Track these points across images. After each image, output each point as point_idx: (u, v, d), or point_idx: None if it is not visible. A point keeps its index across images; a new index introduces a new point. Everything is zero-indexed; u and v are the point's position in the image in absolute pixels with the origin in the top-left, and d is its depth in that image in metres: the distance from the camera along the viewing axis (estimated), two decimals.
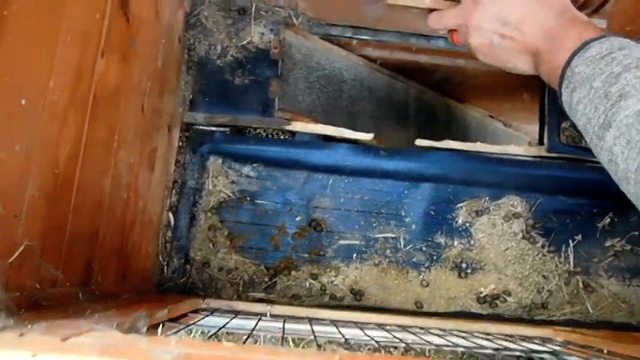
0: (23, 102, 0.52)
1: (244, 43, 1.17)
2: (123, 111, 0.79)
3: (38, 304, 0.55)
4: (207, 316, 0.88)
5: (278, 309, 0.97)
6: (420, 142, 1.19)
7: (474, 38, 0.84)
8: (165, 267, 1.07)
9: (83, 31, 0.63)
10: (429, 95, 1.55)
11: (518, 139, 1.82)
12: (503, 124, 1.75)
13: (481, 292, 1.13)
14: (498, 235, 1.15)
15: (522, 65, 0.81)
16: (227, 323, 0.84)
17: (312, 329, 0.89)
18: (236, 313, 0.94)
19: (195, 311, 0.92)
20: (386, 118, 1.41)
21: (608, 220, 1.15)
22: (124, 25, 0.75)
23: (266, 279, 1.11)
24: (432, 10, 1.03)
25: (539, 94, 1.21)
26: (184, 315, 0.84)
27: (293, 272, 1.12)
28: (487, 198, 1.16)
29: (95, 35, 0.66)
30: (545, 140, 1.16)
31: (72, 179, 0.64)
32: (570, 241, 1.14)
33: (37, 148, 0.56)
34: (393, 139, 1.40)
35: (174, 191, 1.10)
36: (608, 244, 1.15)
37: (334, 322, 0.95)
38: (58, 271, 0.58)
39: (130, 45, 0.78)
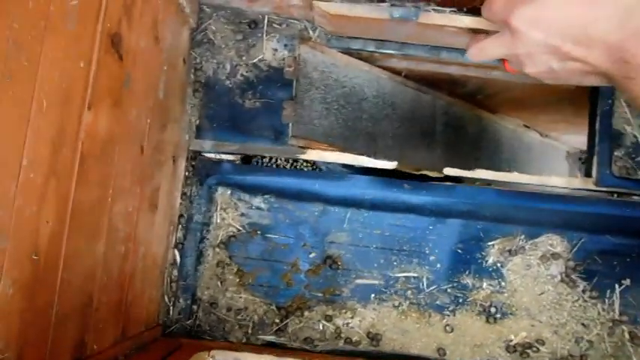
0: None
1: (255, 60, 1.06)
2: (118, 160, 0.70)
3: None
4: None
5: None
6: (449, 170, 1.08)
7: (529, 68, 0.71)
8: (171, 308, 1.00)
9: (63, 88, 0.53)
10: (458, 107, 1.44)
11: (556, 150, 1.70)
12: (539, 135, 1.63)
13: (511, 340, 1.03)
14: (533, 277, 1.05)
15: (600, 82, 0.68)
16: None
17: None
18: None
19: None
20: (410, 137, 1.30)
21: None
22: (116, 64, 0.66)
23: (277, 320, 1.03)
24: (471, 30, 0.92)
25: (589, 117, 1.08)
26: None
27: (306, 313, 1.04)
28: (522, 236, 1.05)
29: (79, 88, 0.57)
30: (594, 172, 1.02)
31: (56, 259, 0.56)
32: (617, 286, 1.03)
33: (11, 239, 0.48)
34: (418, 160, 1.30)
35: (179, 226, 1.02)
36: None
37: None
38: None
39: (123, 85, 0.69)
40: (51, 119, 0.52)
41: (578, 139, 1.65)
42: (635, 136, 1.03)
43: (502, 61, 0.82)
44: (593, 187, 1.03)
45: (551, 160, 1.69)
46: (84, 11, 0.56)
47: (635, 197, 1.03)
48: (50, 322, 0.56)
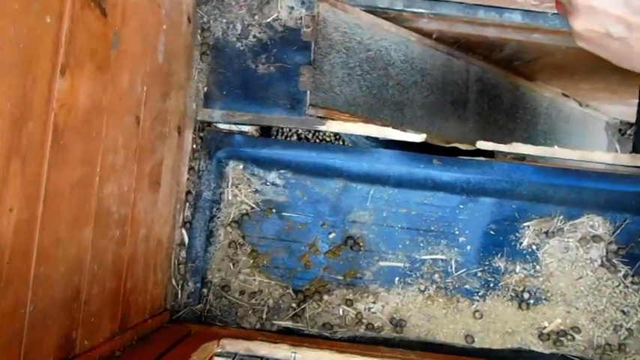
0: None
1: (269, 20, 0.96)
2: (107, 134, 0.62)
3: None
4: None
5: (303, 354, 0.82)
6: (482, 144, 0.97)
7: (580, 21, 0.59)
8: (180, 291, 0.93)
9: (21, 49, 0.45)
10: (493, 74, 1.30)
11: (595, 120, 1.55)
12: (579, 104, 1.48)
13: (544, 328, 0.94)
14: (571, 261, 0.95)
15: None
16: None
17: None
18: None
19: (210, 358, 0.78)
20: (441, 106, 1.18)
21: None
22: (98, 21, 0.57)
23: (294, 304, 0.96)
24: None
25: (639, 88, 0.96)
26: None
27: (325, 297, 0.96)
28: (561, 217, 0.94)
29: (46, 49, 0.48)
30: None
31: (27, 250, 0.49)
32: None
33: None
34: (449, 132, 1.18)
35: (187, 204, 0.94)
36: None
37: None
38: None
39: (110, 47, 0.60)
40: (7, 86, 0.43)
41: (619, 109, 1.51)
42: None
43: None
44: None
45: (590, 132, 1.56)
46: None
47: None
48: (23, 324, 0.49)
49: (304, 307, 0.96)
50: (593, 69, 1.24)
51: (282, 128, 1.00)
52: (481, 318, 0.95)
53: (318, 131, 1.00)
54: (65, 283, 0.56)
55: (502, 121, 1.29)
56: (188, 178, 0.93)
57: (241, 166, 0.96)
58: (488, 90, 1.28)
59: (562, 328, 0.94)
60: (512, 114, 1.32)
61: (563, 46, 1.12)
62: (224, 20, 0.94)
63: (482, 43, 1.19)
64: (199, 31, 0.93)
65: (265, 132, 1.05)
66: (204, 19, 0.94)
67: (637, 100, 1.11)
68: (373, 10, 1.05)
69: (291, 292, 0.96)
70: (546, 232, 0.95)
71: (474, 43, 1.20)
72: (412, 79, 1.13)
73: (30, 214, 0.49)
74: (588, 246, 0.95)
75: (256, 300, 0.95)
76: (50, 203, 0.51)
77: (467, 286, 0.96)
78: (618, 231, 0.94)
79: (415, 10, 1.02)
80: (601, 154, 0.95)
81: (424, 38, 1.16)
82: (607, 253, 0.94)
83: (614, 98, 1.45)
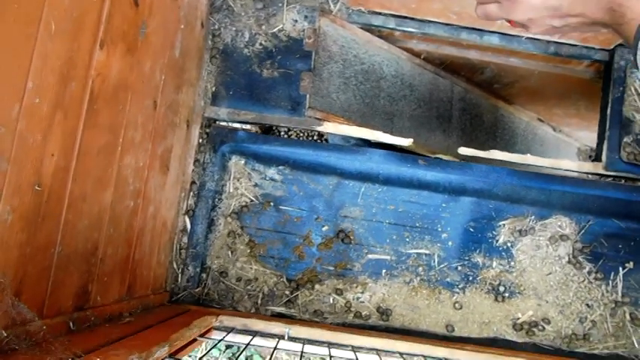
0: None
1: (275, 30, 1.06)
2: (130, 110, 0.70)
3: (10, 347, 0.47)
4: (219, 341, 0.79)
5: (297, 330, 0.88)
6: (464, 150, 1.06)
7: (534, 29, 0.76)
8: (180, 275, 0.99)
9: (74, 17, 0.53)
10: (475, 94, 1.41)
11: (568, 146, 1.66)
12: (553, 129, 1.59)
13: (518, 319, 1.01)
14: (542, 258, 1.03)
15: (598, 29, 0.73)
16: (241, 354, 0.75)
17: (330, 355, 0.80)
18: (253, 334, 0.86)
19: (208, 331, 0.84)
20: (427, 120, 1.28)
21: None
22: (131, 9, 0.65)
23: (287, 292, 1.02)
24: None
25: (600, 103, 1.07)
26: (194, 340, 0.76)
27: (316, 286, 1.03)
28: (532, 217, 1.03)
29: (91, 22, 0.57)
30: (604, 157, 1.03)
31: (61, 195, 0.56)
32: (620, 269, 1.02)
33: (11, 163, 0.47)
34: (434, 144, 1.27)
35: (191, 193, 1.01)
36: None
37: (355, 350, 0.86)
38: (33, 314, 0.49)
39: (139, 33, 0.69)
40: (60, 46, 0.51)
41: (590, 136, 1.62)
42: None
43: (509, 21, 0.81)
44: (603, 172, 1.04)
45: (562, 156, 1.66)
46: None
47: None
48: (52, 262, 0.56)
49: (297, 295, 1.02)
50: (565, 94, 1.35)
51: (281, 128, 1.08)
52: (461, 309, 1.02)
53: (313, 132, 1.08)
54: (86, 236, 0.63)
55: (483, 138, 1.38)
56: (193, 169, 1.01)
57: (243, 161, 1.04)
58: (470, 109, 1.38)
59: (534, 319, 1.01)
60: (493, 132, 1.42)
61: (536, 70, 1.24)
62: (233, 28, 1.04)
63: (465, 65, 1.30)
64: (210, 36, 1.03)
65: (266, 132, 1.13)
66: (216, 26, 1.03)
67: None
68: (368, 28, 1.16)
69: (285, 280, 1.02)
70: (520, 231, 1.03)
71: (458, 65, 1.30)
72: (402, 93, 1.23)
73: (66, 164, 0.56)
74: (557, 244, 1.03)
75: (252, 287, 1.01)
76: (82, 159, 0.59)
77: (448, 279, 1.03)
78: (583, 231, 1.03)
79: (405, 28, 1.12)
80: (568, 162, 1.04)
81: (414, 57, 1.27)
82: (573, 251, 1.03)
83: (584, 125, 1.56)
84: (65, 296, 0.60)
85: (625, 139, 1.03)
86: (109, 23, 0.60)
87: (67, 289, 0.60)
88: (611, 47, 1.05)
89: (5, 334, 0.45)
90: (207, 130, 1.03)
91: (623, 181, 1.04)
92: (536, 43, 1.09)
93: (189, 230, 1.00)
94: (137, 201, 0.77)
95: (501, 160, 1.05)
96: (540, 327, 1.00)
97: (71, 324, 0.60)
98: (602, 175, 1.04)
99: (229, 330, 0.86)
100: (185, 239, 1.00)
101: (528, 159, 1.05)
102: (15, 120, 0.46)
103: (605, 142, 1.03)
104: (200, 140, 1.02)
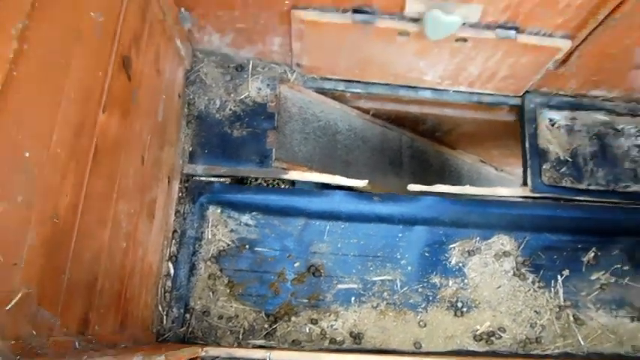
0: (27, 154, 0.57)
1: (242, 97, 1.23)
2: (123, 163, 0.83)
3: (34, 352, 0.57)
4: None
5: (277, 354, 0.97)
6: (413, 187, 1.22)
7: None
8: (165, 317, 1.08)
9: (86, 88, 0.68)
10: (421, 142, 1.61)
11: (509, 183, 1.86)
12: (495, 169, 1.79)
13: (477, 330, 1.13)
14: (490, 274, 1.17)
15: None
16: None
17: None
18: None
19: (195, 359, 0.92)
20: (380, 166, 1.45)
21: (592, 254, 1.19)
22: (126, 82, 0.81)
23: (266, 325, 1.11)
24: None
25: (520, 138, 1.27)
26: None
27: (293, 318, 1.13)
28: (478, 238, 1.19)
29: (97, 92, 0.71)
30: (529, 181, 1.21)
31: (71, 228, 0.67)
32: (559, 277, 1.17)
33: (39, 198, 0.59)
34: (388, 185, 1.44)
35: (173, 241, 1.12)
36: (593, 277, 1.18)
37: None
38: (56, 318, 0.59)
39: (131, 100, 0.84)
40: (75, 110, 0.66)
41: None
42: (557, 153, 1.23)
43: None
44: (530, 194, 1.22)
45: None
46: (106, 29, 0.72)
47: (562, 201, 1.21)
48: (62, 286, 0.66)
49: (275, 328, 1.11)
50: (497, 137, 1.56)
51: (250, 179, 1.23)
52: (425, 326, 1.13)
53: (281, 180, 1.23)
54: (88, 268, 0.74)
55: (432, 179, 1.56)
56: (175, 220, 1.13)
57: (219, 210, 1.17)
58: (418, 155, 1.57)
59: (491, 329, 1.13)
60: (441, 174, 1.60)
61: (469, 118, 1.44)
62: (206, 97, 1.21)
63: (408, 118, 1.50)
64: (186, 105, 1.19)
65: (239, 182, 1.27)
66: (191, 96, 1.20)
67: None
68: (322, 91, 1.35)
69: (264, 315, 1.12)
70: (469, 251, 1.18)
71: (402, 118, 1.50)
72: (356, 144, 1.41)
73: (76, 203, 0.68)
74: (501, 260, 1.18)
75: (233, 323, 1.11)
76: (87, 201, 0.71)
77: (411, 301, 1.15)
78: (522, 246, 1.19)
79: (353, 90, 1.32)
80: (501, 189, 1.22)
81: (363, 114, 1.46)
82: (516, 264, 1.18)
83: (520, 163, 1.75)
84: (71, 319, 0.70)
85: (544, 166, 1.21)
86: (109, 92, 0.75)
87: (73, 312, 0.70)
88: (521, 93, 1.26)
89: (34, 334, 0.55)
90: (186, 185, 1.16)
91: (548, 200, 1.21)
92: (461, 94, 1.29)
93: (172, 275, 1.10)
94: (128, 242, 0.88)
95: (446, 193, 1.21)
96: (497, 335, 1.12)
97: (77, 343, 0.69)
98: (530, 197, 1.21)
99: (215, 358, 0.95)
100: (169, 283, 1.10)
101: (467, 189, 1.21)
102: (43, 164, 0.60)
103: (529, 170, 1.21)
104: (180, 194, 1.15)
